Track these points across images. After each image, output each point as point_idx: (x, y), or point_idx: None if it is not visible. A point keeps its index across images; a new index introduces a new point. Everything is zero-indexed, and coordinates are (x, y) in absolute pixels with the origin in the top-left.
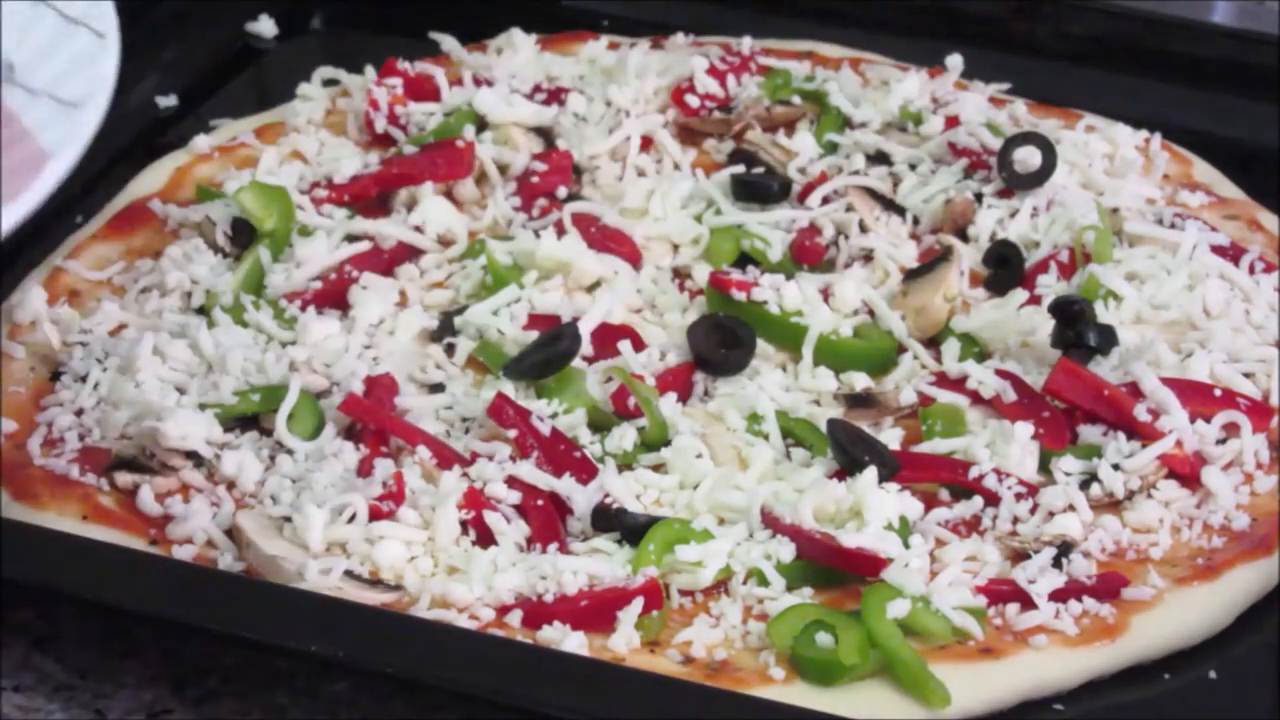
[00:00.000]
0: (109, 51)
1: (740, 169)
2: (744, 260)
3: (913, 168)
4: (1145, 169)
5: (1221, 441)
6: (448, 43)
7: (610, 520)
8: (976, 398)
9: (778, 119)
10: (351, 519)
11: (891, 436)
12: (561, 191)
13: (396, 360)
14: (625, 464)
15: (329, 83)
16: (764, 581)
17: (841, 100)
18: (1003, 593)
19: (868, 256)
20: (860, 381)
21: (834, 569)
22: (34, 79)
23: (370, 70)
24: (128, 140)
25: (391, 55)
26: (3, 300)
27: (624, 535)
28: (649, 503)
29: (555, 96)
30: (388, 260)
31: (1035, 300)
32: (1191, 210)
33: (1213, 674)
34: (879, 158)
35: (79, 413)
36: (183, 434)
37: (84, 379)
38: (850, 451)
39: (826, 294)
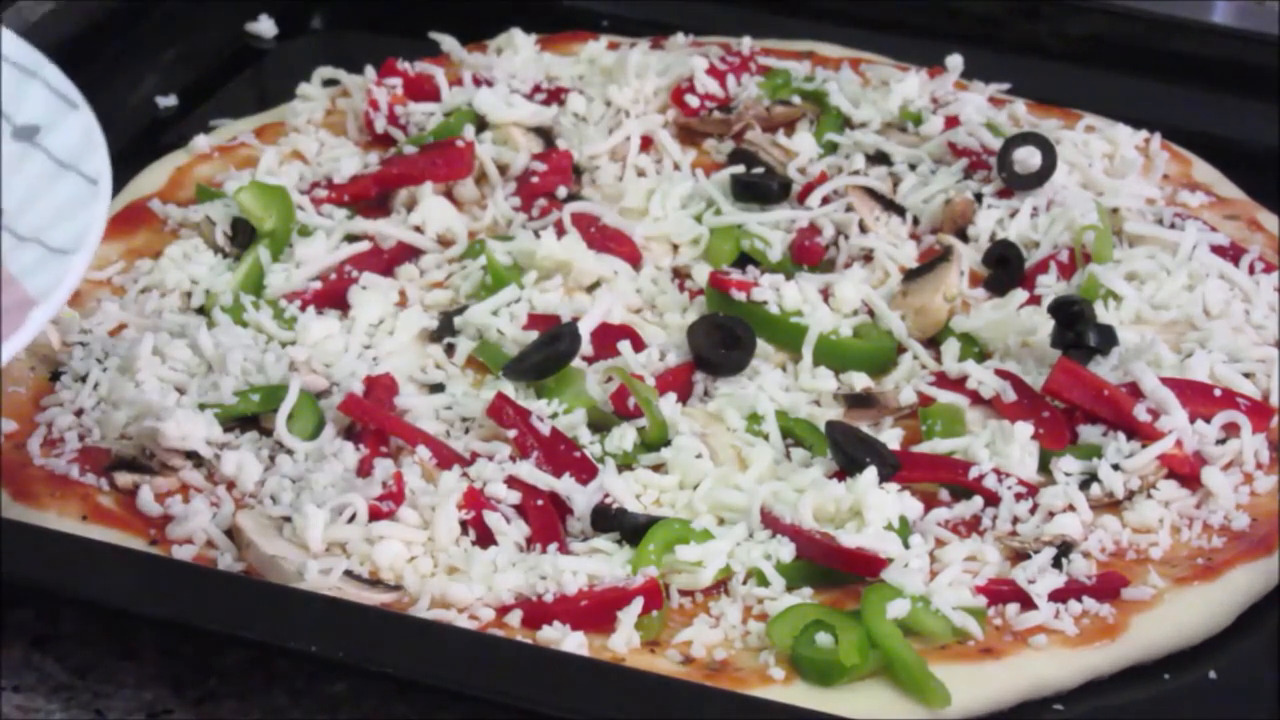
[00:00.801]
0: (100, 197)
1: (740, 169)
2: (744, 260)
3: (913, 168)
4: (1145, 169)
5: (1221, 441)
6: (448, 43)
7: (610, 520)
8: (976, 398)
9: (778, 119)
10: (351, 519)
11: (891, 436)
12: (561, 191)
13: (396, 360)
14: (625, 464)
15: (329, 83)
16: (764, 581)
17: (841, 100)
18: (1003, 593)
19: (868, 256)
20: (860, 381)
21: (834, 569)
22: (21, 224)
23: (370, 70)
24: (128, 140)
25: (391, 55)
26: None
27: (624, 535)
28: (649, 503)
29: (555, 96)
30: (388, 260)
31: (1035, 300)
32: (1191, 210)
33: (1213, 674)
34: (879, 158)
35: (79, 413)
36: (183, 434)
37: (84, 379)
38: (850, 453)
39: (826, 294)
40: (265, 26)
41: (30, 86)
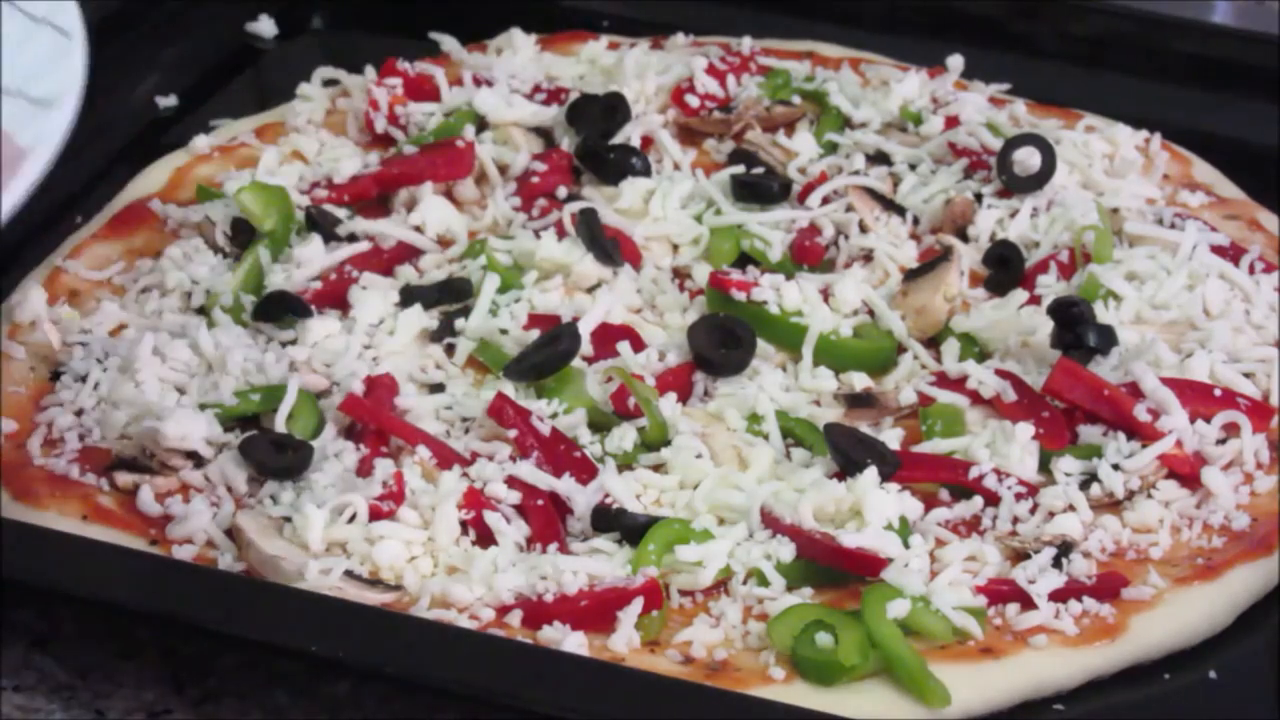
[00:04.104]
0: (76, 48)
1: (740, 169)
2: (744, 260)
3: (913, 168)
4: (1145, 169)
5: (1221, 441)
6: (448, 43)
7: (610, 520)
8: (976, 398)
9: (778, 119)
10: (351, 519)
11: (891, 436)
12: (561, 191)
13: (396, 360)
14: (625, 464)
15: (329, 83)
16: (764, 581)
17: (841, 100)
18: (1003, 593)
19: (868, 256)
20: (860, 381)
21: (834, 569)
22: (4, 78)
23: (370, 70)
24: (128, 140)
25: (391, 55)
26: (3, 300)
27: (624, 535)
28: (649, 503)
29: (555, 96)
30: (388, 260)
31: (1035, 300)
32: (1191, 210)
33: (1213, 674)
34: (879, 158)
35: (79, 413)
36: (183, 434)
37: (84, 379)
38: (850, 455)
39: (826, 294)
40: (265, 26)
41: None
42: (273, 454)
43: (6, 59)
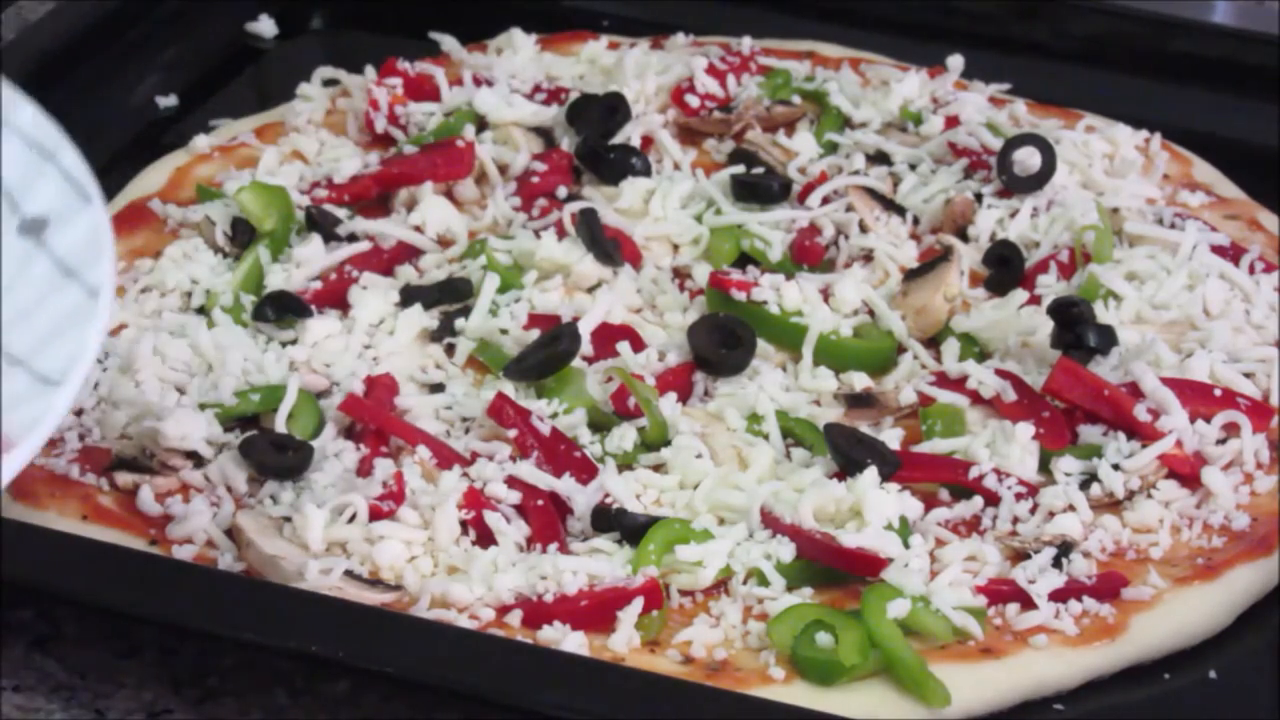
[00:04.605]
0: (98, 314)
1: (740, 169)
2: (744, 260)
3: (913, 168)
4: (1145, 169)
5: (1221, 441)
6: (448, 43)
7: (610, 520)
8: (976, 398)
9: (778, 119)
10: (351, 519)
11: (891, 436)
12: (561, 191)
13: (396, 360)
14: (625, 464)
15: (329, 83)
16: (764, 581)
17: (841, 100)
18: (1003, 593)
19: (868, 256)
20: (860, 381)
21: (834, 569)
22: (16, 341)
23: (370, 70)
24: (128, 140)
25: (391, 55)
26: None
27: (624, 535)
28: (649, 503)
29: (555, 96)
30: (388, 260)
31: (1035, 300)
32: (1191, 210)
33: (1213, 674)
34: (879, 158)
35: (79, 413)
36: (183, 434)
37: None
38: (850, 455)
39: (826, 294)
40: (265, 26)
41: (45, 171)
42: (273, 454)
43: (22, 317)
